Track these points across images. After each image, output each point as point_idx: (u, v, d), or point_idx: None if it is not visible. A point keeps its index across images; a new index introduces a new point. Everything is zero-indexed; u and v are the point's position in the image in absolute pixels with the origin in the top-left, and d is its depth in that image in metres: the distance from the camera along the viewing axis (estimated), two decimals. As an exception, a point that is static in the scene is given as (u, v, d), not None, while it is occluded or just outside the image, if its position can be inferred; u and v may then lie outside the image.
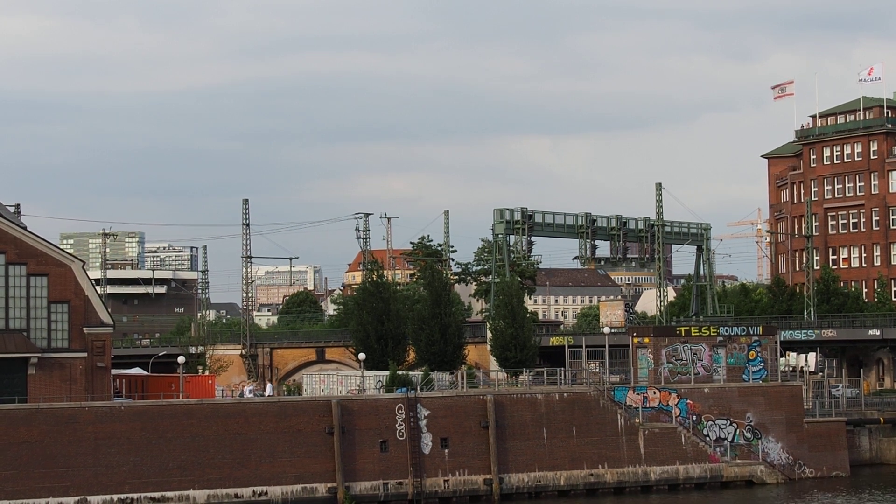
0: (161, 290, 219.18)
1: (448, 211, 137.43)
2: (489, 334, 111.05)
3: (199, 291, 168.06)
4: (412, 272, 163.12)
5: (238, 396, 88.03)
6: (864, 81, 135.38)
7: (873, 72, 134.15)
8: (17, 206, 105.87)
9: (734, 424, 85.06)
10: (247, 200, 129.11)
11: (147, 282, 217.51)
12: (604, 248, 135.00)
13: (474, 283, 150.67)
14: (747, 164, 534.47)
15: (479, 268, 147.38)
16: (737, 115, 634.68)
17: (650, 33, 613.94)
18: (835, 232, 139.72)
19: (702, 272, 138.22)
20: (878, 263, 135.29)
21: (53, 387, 77.37)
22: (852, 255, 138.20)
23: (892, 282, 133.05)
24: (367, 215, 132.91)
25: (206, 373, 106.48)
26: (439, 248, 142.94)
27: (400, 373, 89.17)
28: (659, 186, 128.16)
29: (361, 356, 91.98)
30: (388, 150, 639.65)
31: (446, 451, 78.06)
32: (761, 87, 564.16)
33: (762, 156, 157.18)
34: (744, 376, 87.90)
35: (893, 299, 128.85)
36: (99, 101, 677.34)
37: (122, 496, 72.00)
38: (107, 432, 72.70)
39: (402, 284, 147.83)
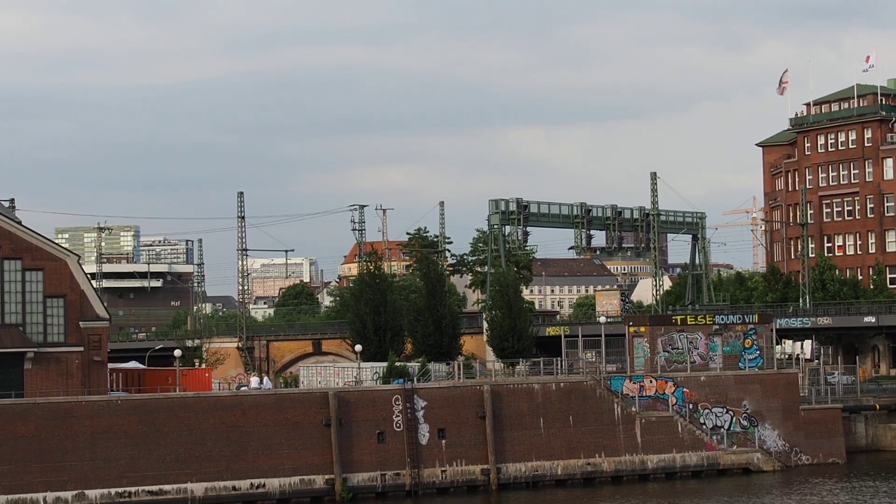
0: (157, 283, 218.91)
1: (443, 202, 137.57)
2: (485, 325, 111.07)
3: (195, 284, 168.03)
4: (408, 263, 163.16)
5: (236, 388, 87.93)
6: (865, 72, 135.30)
7: (870, 60, 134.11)
8: (12, 200, 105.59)
9: (730, 412, 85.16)
10: (242, 193, 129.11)
11: (143, 275, 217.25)
12: (599, 238, 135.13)
13: (469, 274, 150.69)
14: (742, 153, 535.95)
15: (474, 258, 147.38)
16: (730, 103, 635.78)
17: (642, 23, 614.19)
18: (830, 220, 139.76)
19: (697, 261, 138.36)
20: (873, 251, 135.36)
21: (50, 381, 77.31)
22: (847, 243, 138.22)
23: (888, 269, 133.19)
24: (362, 207, 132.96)
25: (203, 366, 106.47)
26: (435, 240, 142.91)
27: (397, 364, 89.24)
28: (654, 176, 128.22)
29: (358, 348, 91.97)
30: (383, 142, 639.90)
31: (443, 441, 78.14)
32: (754, 76, 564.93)
33: (756, 144, 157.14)
34: (740, 364, 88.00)
35: (889, 286, 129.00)
36: (93, 95, 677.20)
37: (120, 490, 72.00)
38: (104, 426, 72.69)
39: (398, 276, 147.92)
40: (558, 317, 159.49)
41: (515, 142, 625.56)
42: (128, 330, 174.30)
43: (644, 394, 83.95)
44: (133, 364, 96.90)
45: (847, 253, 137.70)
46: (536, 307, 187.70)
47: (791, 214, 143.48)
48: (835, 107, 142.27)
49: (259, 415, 75.58)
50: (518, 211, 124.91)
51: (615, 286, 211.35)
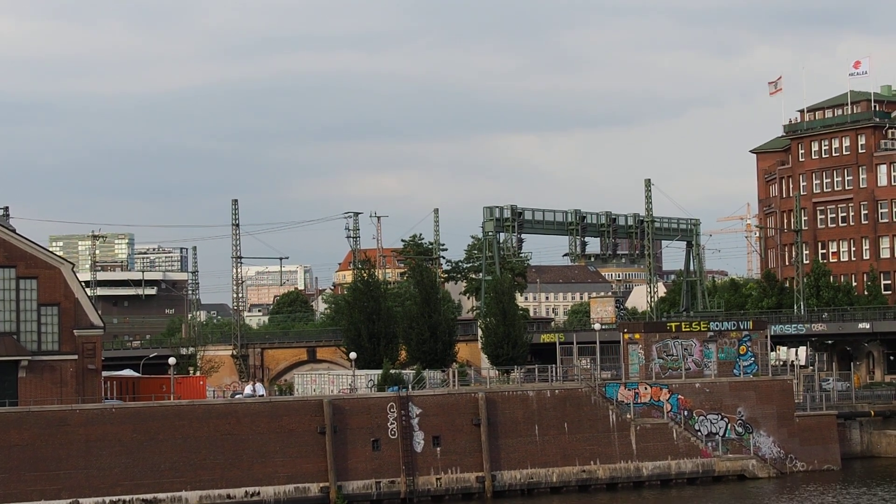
0: (151, 291, 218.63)
1: (438, 209, 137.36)
2: (480, 332, 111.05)
3: (190, 292, 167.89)
4: (403, 270, 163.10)
5: (230, 396, 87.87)
6: (853, 76, 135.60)
7: (860, 66, 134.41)
8: (6, 208, 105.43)
9: (725, 419, 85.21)
10: (236, 201, 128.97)
11: (137, 283, 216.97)
12: (594, 245, 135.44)
13: (464, 281, 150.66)
14: (736, 159, 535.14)
15: (469, 265, 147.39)
16: (724, 110, 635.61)
17: (635, 29, 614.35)
18: (824, 226, 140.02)
19: (692, 267, 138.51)
20: (867, 257, 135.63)
21: (44, 389, 77.25)
22: (841, 249, 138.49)
23: (882, 275, 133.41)
24: (356, 214, 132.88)
25: (198, 374, 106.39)
26: (430, 247, 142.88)
27: (392, 371, 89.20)
28: (648, 182, 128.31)
29: (352, 355, 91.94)
30: (377, 148, 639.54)
31: (438, 449, 78.11)
32: (747, 82, 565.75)
33: (750, 151, 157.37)
34: (735, 371, 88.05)
35: (883, 293, 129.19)
36: (86, 101, 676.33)
37: (114, 498, 71.89)
38: (98, 434, 72.61)
39: (393, 283, 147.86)
40: (553, 324, 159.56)
41: (509, 148, 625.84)
42: (122, 338, 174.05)
43: (639, 401, 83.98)
44: (127, 372, 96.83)
45: (841, 259, 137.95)
46: (531, 314, 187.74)
47: (785, 221, 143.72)
48: (828, 113, 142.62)
49: (254, 423, 75.51)
50: (512, 218, 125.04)
51: (610, 293, 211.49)
